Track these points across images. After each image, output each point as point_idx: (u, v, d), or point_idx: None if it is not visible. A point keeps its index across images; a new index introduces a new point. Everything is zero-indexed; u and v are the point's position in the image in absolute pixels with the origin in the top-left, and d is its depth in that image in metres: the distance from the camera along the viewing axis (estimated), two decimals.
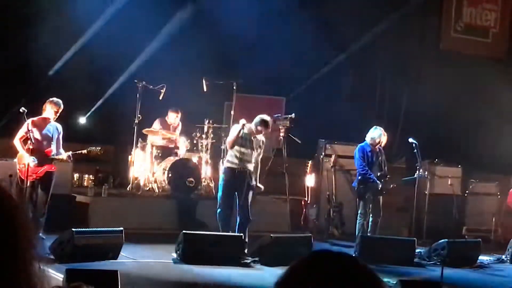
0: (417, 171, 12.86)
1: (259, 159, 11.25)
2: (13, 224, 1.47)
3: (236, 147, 10.95)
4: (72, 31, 14.28)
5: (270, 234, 10.72)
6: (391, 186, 12.19)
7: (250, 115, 14.80)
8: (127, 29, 13.89)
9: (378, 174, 11.98)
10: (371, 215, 11.96)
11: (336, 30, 15.94)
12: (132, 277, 8.90)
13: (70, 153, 10.76)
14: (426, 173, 13.09)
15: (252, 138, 11.00)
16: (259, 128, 10.92)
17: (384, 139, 12.10)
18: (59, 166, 11.12)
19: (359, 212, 12.07)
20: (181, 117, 13.83)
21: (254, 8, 14.75)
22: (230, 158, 11.06)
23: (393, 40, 16.90)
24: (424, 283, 9.64)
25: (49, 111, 10.55)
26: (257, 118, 10.97)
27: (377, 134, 12.08)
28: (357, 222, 12.03)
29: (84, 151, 11.00)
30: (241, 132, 10.90)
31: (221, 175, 11.25)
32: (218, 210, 11.04)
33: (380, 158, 12.13)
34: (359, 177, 12.04)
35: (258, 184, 11.28)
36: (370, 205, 11.96)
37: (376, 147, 12.09)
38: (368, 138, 12.14)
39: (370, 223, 11.93)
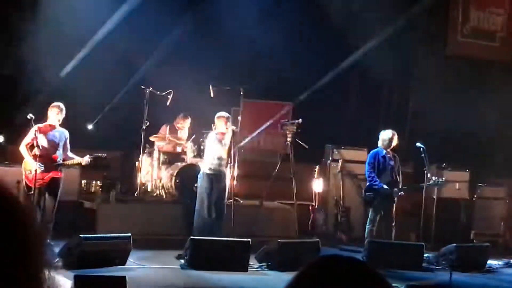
0: (426, 176, 12.75)
1: None
2: (24, 231, 1.47)
3: (214, 153, 11.56)
4: (78, 37, 14.32)
5: (278, 240, 10.71)
6: (399, 194, 12.03)
7: (257, 121, 14.86)
8: (134, 35, 13.92)
9: (389, 180, 11.89)
10: (383, 222, 11.86)
11: (342, 35, 15.93)
12: (140, 283, 8.91)
13: (88, 157, 10.77)
14: (442, 179, 12.88)
15: (222, 138, 11.61)
16: (225, 123, 11.51)
17: (395, 139, 11.95)
18: (67, 172, 11.13)
19: (368, 219, 12.00)
20: (190, 124, 13.84)
21: (261, 14, 14.76)
22: (211, 165, 11.59)
23: (399, 44, 16.88)
24: None
25: (51, 115, 10.58)
26: (222, 116, 11.60)
27: (387, 136, 11.96)
28: (366, 228, 11.98)
29: (104, 155, 11.04)
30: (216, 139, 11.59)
31: (203, 181, 11.58)
32: (204, 215, 11.50)
33: (393, 164, 12.00)
34: (367, 184, 11.99)
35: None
36: (382, 212, 11.86)
37: (390, 151, 11.95)
38: (379, 142, 12.06)
39: (383, 231, 11.83)
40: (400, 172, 12.20)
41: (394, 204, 11.93)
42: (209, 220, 11.47)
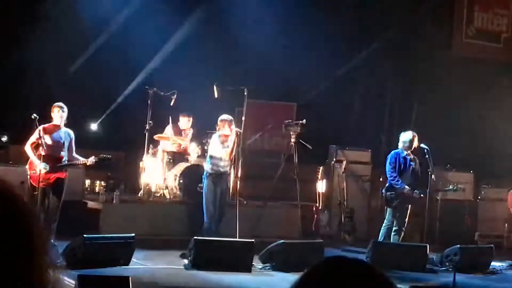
0: (431, 177, 12.68)
1: None
2: (28, 231, 1.47)
3: (219, 154, 11.72)
4: (83, 38, 14.34)
5: (281, 240, 10.70)
6: (420, 195, 11.92)
7: (261, 121, 14.84)
8: (138, 35, 13.93)
9: (409, 182, 11.75)
10: (395, 223, 11.80)
11: (347, 37, 15.93)
12: (144, 283, 8.91)
13: (93, 157, 10.80)
14: (460, 186, 12.76)
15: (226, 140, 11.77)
16: (228, 126, 11.69)
17: (415, 141, 11.85)
18: (71, 172, 11.14)
19: (386, 219, 11.94)
20: (193, 123, 13.83)
21: (265, 14, 14.76)
22: (214, 166, 11.74)
23: (404, 46, 16.87)
24: None
25: (54, 115, 10.60)
26: (224, 119, 11.76)
27: (407, 138, 11.81)
28: (382, 228, 11.91)
29: (109, 156, 11.07)
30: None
31: (208, 182, 11.73)
32: (208, 218, 11.60)
33: (413, 166, 11.86)
34: (388, 184, 11.92)
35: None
36: (398, 213, 11.79)
37: (410, 152, 11.84)
38: (400, 144, 11.95)
39: (393, 232, 11.79)
40: (420, 173, 12.11)
41: (411, 206, 11.87)
42: (215, 220, 11.57)
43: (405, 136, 11.91)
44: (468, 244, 12.53)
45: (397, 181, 11.71)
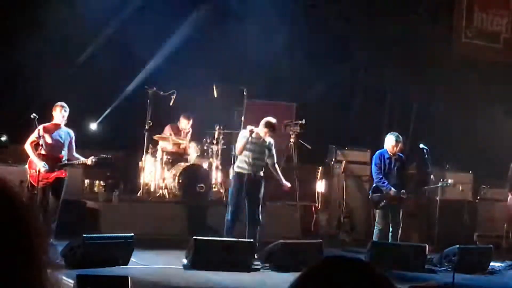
0: (430, 177, 12.69)
1: (275, 160, 11.25)
2: (27, 230, 1.47)
3: (246, 152, 10.97)
4: (83, 38, 14.33)
5: (281, 240, 10.69)
6: (405, 195, 11.88)
7: (260, 121, 14.80)
8: (137, 35, 13.92)
9: (395, 182, 11.78)
10: (390, 225, 11.77)
11: (347, 37, 15.93)
12: (143, 283, 8.90)
13: (93, 157, 10.81)
14: (449, 181, 12.76)
15: (261, 142, 11.01)
16: (265, 130, 10.95)
17: (397, 146, 11.80)
18: (70, 172, 11.15)
19: (376, 222, 11.91)
20: (192, 123, 13.84)
21: (265, 14, 14.76)
22: (240, 164, 11.09)
23: (404, 46, 16.87)
24: None
25: (55, 114, 10.61)
26: (263, 121, 11.01)
27: (390, 142, 11.79)
28: (374, 232, 11.90)
29: (109, 156, 11.07)
30: (249, 138, 10.91)
31: (232, 181, 11.28)
32: (227, 215, 11.08)
33: (399, 166, 11.83)
34: (373, 185, 11.90)
35: (285, 182, 11.34)
36: (389, 214, 11.77)
37: (395, 153, 11.84)
38: (385, 144, 11.97)
39: (390, 233, 11.77)
40: (406, 173, 12.08)
41: (401, 206, 11.83)
42: (233, 221, 11.11)
43: (389, 139, 11.83)
44: (467, 245, 12.53)
45: (383, 182, 11.67)
